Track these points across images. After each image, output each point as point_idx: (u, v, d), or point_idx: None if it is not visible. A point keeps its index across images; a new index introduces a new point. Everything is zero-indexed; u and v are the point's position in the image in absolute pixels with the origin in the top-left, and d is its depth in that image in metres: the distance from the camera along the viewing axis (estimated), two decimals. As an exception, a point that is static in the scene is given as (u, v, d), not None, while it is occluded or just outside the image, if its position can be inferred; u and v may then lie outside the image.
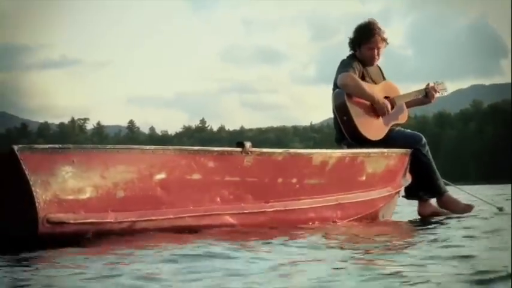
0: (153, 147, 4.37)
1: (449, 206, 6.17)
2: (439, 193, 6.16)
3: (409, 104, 6.37)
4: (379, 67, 6.23)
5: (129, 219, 4.18)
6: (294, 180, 5.04)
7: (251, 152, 4.73)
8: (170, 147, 4.45)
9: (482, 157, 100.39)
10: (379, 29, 6.12)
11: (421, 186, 6.17)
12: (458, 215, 5.93)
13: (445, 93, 6.58)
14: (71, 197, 3.95)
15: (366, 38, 6.08)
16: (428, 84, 6.47)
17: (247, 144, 4.71)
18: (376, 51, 6.08)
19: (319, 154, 5.23)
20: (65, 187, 3.93)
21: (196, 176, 4.47)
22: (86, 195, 4.01)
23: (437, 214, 6.10)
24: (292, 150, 5.10)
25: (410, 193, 6.27)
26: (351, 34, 6.18)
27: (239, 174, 4.69)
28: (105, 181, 4.08)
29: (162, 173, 4.32)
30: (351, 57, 6.07)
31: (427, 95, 6.42)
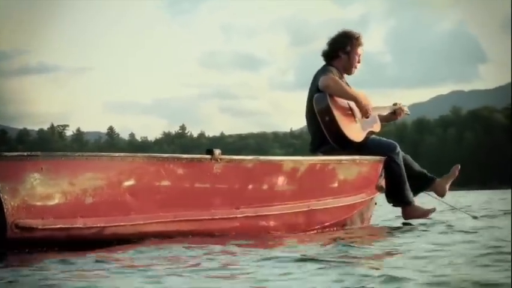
0: (122, 154, 4.45)
1: (414, 215, 6.29)
2: (406, 203, 6.24)
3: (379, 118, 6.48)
4: (348, 85, 6.30)
5: (98, 225, 4.26)
6: (265, 187, 5.10)
7: (220, 159, 4.79)
8: (139, 154, 4.53)
9: (462, 163, 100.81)
10: (358, 37, 6.22)
11: (391, 194, 6.25)
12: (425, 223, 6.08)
13: (407, 115, 6.83)
14: (39, 203, 4.04)
15: (354, 42, 6.18)
16: (396, 104, 6.65)
17: (217, 152, 4.78)
18: (357, 58, 6.18)
19: (289, 161, 5.30)
20: (34, 193, 4.02)
21: (165, 183, 4.54)
22: (55, 202, 4.09)
23: (424, 216, 6.27)
24: (262, 158, 5.16)
25: (388, 200, 6.37)
26: (325, 46, 6.26)
27: (209, 180, 4.76)
28: (74, 188, 4.16)
29: (131, 180, 4.40)
30: (329, 66, 6.15)
31: (394, 112, 6.61)
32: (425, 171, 6.45)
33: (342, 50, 6.16)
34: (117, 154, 4.42)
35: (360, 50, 6.19)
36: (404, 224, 6.21)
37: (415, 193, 6.35)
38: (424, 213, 6.29)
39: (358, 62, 6.20)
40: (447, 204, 7.06)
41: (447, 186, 6.49)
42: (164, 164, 4.55)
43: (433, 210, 6.31)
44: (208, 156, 4.76)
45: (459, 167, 6.66)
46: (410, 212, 6.27)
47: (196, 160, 4.74)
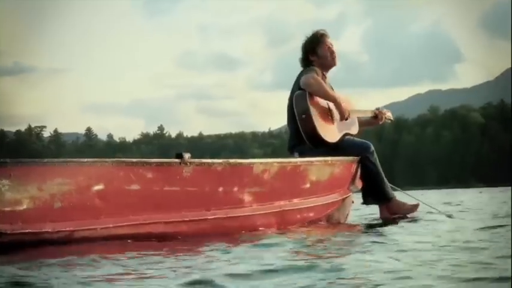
0: (91, 160, 4.52)
1: (397, 210, 6.41)
2: (387, 199, 6.36)
3: (359, 122, 6.56)
4: (330, 86, 6.38)
5: (67, 229, 4.32)
6: (236, 189, 5.18)
7: (190, 162, 4.86)
8: (108, 159, 4.59)
9: (439, 162, 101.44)
10: (321, 35, 6.40)
11: (369, 192, 6.35)
12: (408, 219, 6.22)
13: (389, 122, 7.00)
14: (8, 209, 4.10)
15: (319, 41, 6.34)
16: (378, 108, 6.81)
17: (186, 156, 4.86)
18: (328, 51, 6.32)
19: (259, 163, 5.38)
20: (2, 199, 4.08)
21: (135, 187, 4.62)
22: (23, 207, 4.15)
23: (411, 211, 6.41)
24: (232, 160, 5.24)
25: (364, 199, 6.49)
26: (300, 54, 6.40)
27: (179, 184, 4.83)
28: (43, 193, 4.22)
29: (100, 184, 4.47)
30: (312, 66, 6.25)
31: (376, 117, 6.74)
32: (388, 185, 6.46)
33: (311, 54, 6.31)
34: (85, 159, 4.49)
35: (327, 43, 6.35)
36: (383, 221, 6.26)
37: (366, 200, 6.45)
38: (412, 209, 6.42)
39: (332, 52, 6.34)
40: (428, 206, 7.06)
41: (397, 210, 6.44)
42: (133, 168, 4.62)
43: (417, 205, 6.47)
44: (177, 160, 4.84)
45: (418, 206, 6.63)
46: (393, 207, 6.37)
47: (166, 164, 4.80)
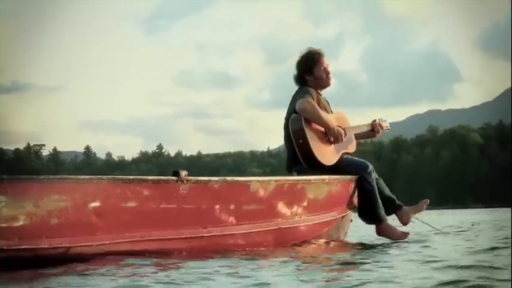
0: (87, 177, 4.54)
1: (387, 234, 6.38)
2: (378, 220, 6.34)
3: (357, 136, 6.58)
4: (327, 101, 6.40)
5: (64, 245, 4.35)
6: (232, 207, 5.19)
7: (187, 180, 4.88)
8: (105, 176, 4.61)
9: (438, 182, 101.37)
10: (317, 54, 6.38)
11: (362, 212, 6.35)
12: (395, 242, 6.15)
13: (387, 130, 6.97)
14: (4, 225, 4.13)
15: (315, 61, 6.32)
16: (374, 120, 6.78)
17: (183, 173, 4.87)
18: (323, 71, 6.31)
19: (256, 181, 5.39)
20: None
21: (131, 204, 4.64)
22: (20, 223, 4.18)
23: (400, 238, 6.30)
24: (229, 178, 5.25)
25: (360, 218, 6.45)
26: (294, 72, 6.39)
27: (175, 201, 4.86)
28: (39, 209, 4.25)
29: (97, 201, 4.49)
30: (306, 87, 6.26)
31: (373, 129, 6.73)
32: (394, 197, 6.52)
33: (306, 73, 6.31)
34: (82, 176, 4.52)
35: (323, 63, 6.34)
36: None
37: (362, 219, 6.45)
38: (401, 236, 6.34)
39: (328, 72, 6.33)
40: (430, 226, 7.09)
41: (412, 216, 6.54)
42: (130, 185, 4.65)
43: (407, 233, 6.39)
44: (174, 178, 4.85)
45: (428, 201, 6.71)
46: (383, 229, 6.36)
47: (163, 182, 4.83)
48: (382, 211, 6.33)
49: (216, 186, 5.09)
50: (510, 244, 4.71)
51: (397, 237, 6.32)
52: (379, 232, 6.37)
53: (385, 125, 6.88)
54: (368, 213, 6.31)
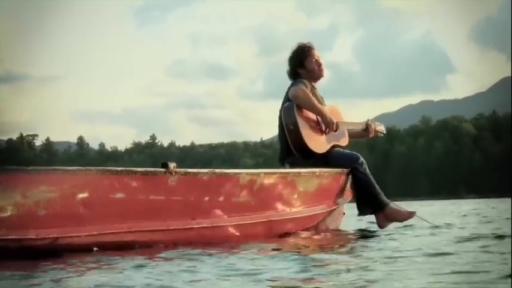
0: (75, 168, 4.55)
1: (394, 217, 6.32)
2: (381, 207, 6.30)
3: (349, 134, 6.57)
4: (321, 96, 6.41)
5: (51, 236, 4.36)
6: (221, 199, 5.20)
7: (175, 172, 4.89)
8: (93, 168, 4.63)
9: (430, 172, 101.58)
10: (307, 48, 6.40)
11: (364, 202, 6.32)
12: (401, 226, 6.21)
13: (381, 135, 6.99)
14: None
15: (306, 54, 6.35)
16: (368, 120, 6.79)
17: (171, 165, 4.88)
18: (315, 64, 6.34)
19: (246, 173, 5.40)
20: None
21: (119, 195, 4.65)
22: (7, 214, 4.20)
23: (409, 218, 6.30)
24: (218, 171, 5.26)
25: (359, 210, 6.39)
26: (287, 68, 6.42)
27: (164, 193, 4.87)
28: (27, 200, 4.27)
29: (85, 192, 4.50)
30: (300, 78, 6.28)
31: (367, 129, 6.74)
32: (381, 193, 6.43)
33: (299, 67, 6.34)
34: (70, 168, 4.53)
35: (315, 56, 6.36)
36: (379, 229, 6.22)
37: (362, 211, 6.39)
38: (409, 215, 6.31)
39: (320, 64, 6.36)
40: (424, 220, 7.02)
41: (394, 217, 6.35)
42: (118, 177, 4.66)
43: (414, 212, 6.34)
44: (162, 170, 4.86)
45: (415, 213, 6.43)
46: (389, 214, 6.28)
47: (151, 173, 4.84)
48: (383, 196, 6.28)
49: (205, 178, 5.09)
50: (510, 234, 4.70)
51: (405, 218, 6.31)
52: (386, 217, 6.28)
53: (380, 129, 6.90)
54: (369, 202, 6.26)
